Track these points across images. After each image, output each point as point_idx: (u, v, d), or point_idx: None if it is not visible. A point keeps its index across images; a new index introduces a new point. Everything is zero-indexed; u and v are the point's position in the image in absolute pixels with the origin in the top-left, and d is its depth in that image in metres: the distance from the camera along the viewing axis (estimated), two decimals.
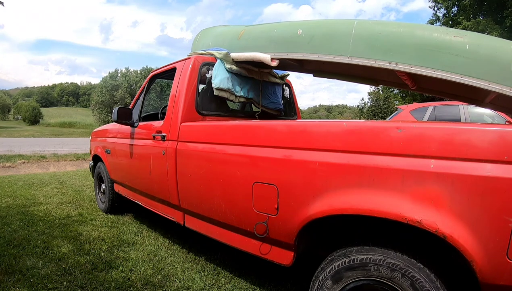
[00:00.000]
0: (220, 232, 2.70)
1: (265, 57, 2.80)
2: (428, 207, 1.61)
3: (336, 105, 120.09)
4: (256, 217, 2.26)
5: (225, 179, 2.49)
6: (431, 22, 24.67)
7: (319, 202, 1.92)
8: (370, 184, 1.75)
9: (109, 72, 42.60)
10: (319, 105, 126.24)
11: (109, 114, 38.04)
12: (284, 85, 3.98)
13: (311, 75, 3.22)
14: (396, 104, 25.98)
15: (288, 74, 3.82)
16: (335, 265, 1.91)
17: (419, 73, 2.18)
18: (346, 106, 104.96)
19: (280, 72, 3.69)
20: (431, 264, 1.73)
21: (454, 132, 1.60)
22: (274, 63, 2.79)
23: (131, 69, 42.95)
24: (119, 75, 42.26)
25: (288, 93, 4.08)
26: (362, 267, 1.81)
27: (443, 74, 2.12)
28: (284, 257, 2.23)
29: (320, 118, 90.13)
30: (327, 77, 3.11)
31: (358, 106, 43.57)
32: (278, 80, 3.70)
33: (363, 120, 2.01)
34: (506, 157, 1.46)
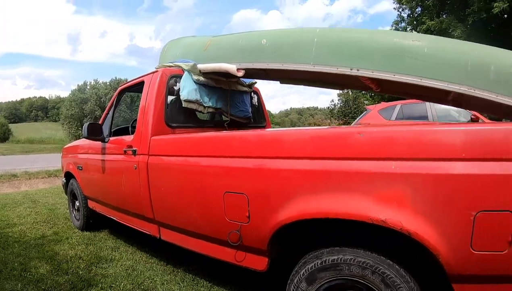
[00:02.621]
0: (196, 243, 2.73)
1: (231, 67, 2.85)
2: (392, 206, 1.68)
3: (307, 108, 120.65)
4: (229, 226, 2.29)
5: (197, 190, 2.52)
6: (396, 23, 25.21)
7: (288, 208, 1.97)
8: (336, 188, 1.82)
9: (77, 85, 41.68)
10: (290, 108, 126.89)
11: (80, 128, 37.16)
12: (252, 93, 4.03)
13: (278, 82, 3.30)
14: (366, 104, 26.54)
15: (255, 82, 3.88)
16: (308, 267, 1.97)
17: (379, 77, 2.27)
18: (317, 108, 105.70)
19: (248, 81, 3.74)
20: (400, 259, 1.80)
21: (413, 134, 1.69)
22: (240, 73, 2.84)
23: (100, 81, 42.20)
24: (88, 87, 41.43)
25: (256, 100, 4.14)
26: (334, 267, 1.88)
27: (403, 77, 2.22)
28: (258, 263, 2.28)
29: (291, 121, 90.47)
30: (294, 84, 3.18)
31: (328, 107, 44.21)
32: (246, 89, 3.75)
33: (326, 126, 2.08)
34: (463, 155, 1.56)
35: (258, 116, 4.20)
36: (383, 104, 9.00)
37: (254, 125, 3.99)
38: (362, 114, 9.74)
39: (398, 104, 8.29)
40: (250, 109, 3.87)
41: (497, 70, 2.12)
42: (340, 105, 38.47)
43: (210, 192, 2.40)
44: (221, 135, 2.51)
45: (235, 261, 2.41)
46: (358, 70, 2.31)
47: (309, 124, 16.45)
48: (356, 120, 10.02)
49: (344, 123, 15.25)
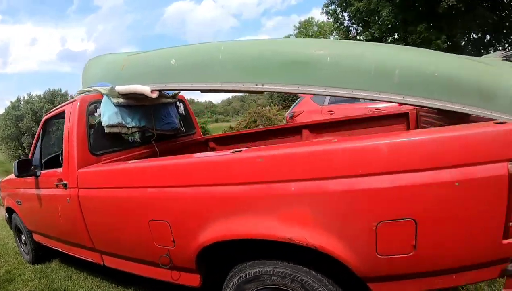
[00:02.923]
0: (136, 267, 2.79)
1: (145, 89, 2.84)
2: (296, 224, 1.80)
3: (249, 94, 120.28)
4: (159, 251, 2.38)
5: (126, 220, 2.56)
6: (327, 6, 25.92)
7: (206, 231, 2.07)
8: (246, 211, 1.92)
9: (11, 102, 39.22)
10: (232, 96, 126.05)
11: (19, 148, 35.62)
12: (178, 102, 4.04)
13: None
14: None
15: (179, 92, 3.88)
16: (235, 280, 2.09)
17: (284, 91, 2.33)
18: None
19: (171, 91, 3.74)
20: (317, 266, 1.92)
21: (309, 154, 1.79)
22: (154, 95, 2.84)
23: (34, 95, 39.86)
24: (22, 103, 39.16)
25: (183, 109, 4.15)
26: (257, 279, 2.00)
27: (307, 89, 2.28)
28: (192, 280, 2.40)
29: (235, 109, 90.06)
30: (214, 92, 3.21)
31: (268, 93, 44.06)
32: (169, 100, 3.74)
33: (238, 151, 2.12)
34: (360, 171, 1.67)
35: (187, 125, 4.22)
36: None
37: (183, 135, 4.01)
38: (296, 101, 9.82)
39: None
40: (176, 121, 3.88)
41: (402, 73, 2.20)
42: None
43: (137, 221, 2.45)
44: (138, 166, 2.54)
45: (172, 280, 2.51)
46: (263, 85, 2.35)
47: (249, 113, 16.77)
48: (291, 108, 10.14)
49: (284, 108, 15.42)
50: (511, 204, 1.63)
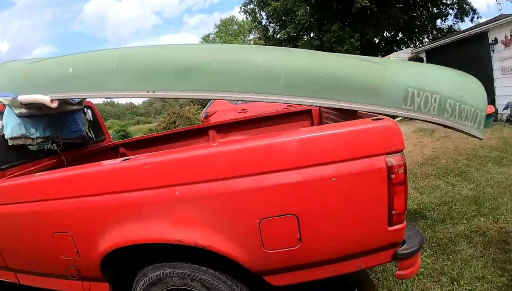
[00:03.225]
0: (50, 282, 2.74)
1: (45, 99, 2.75)
2: (185, 226, 1.88)
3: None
4: (66, 263, 2.35)
5: (32, 235, 2.49)
6: (245, 5, 26.66)
7: (105, 239, 2.09)
8: (138, 217, 1.97)
9: None
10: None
11: None
12: (85, 109, 3.95)
13: None
14: None
15: (85, 98, 3.76)
16: (140, 285, 2.15)
17: (173, 97, 2.37)
18: None
19: (77, 98, 3.62)
20: (213, 264, 2.00)
21: (190, 159, 1.88)
22: (54, 105, 2.76)
23: None
24: None
25: (91, 115, 4.06)
26: (160, 281, 2.07)
27: (194, 94, 2.37)
28: (102, 289, 2.40)
29: (156, 110, 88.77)
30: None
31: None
32: (76, 107, 3.62)
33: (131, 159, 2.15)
34: (238, 172, 1.78)
35: (95, 132, 4.14)
36: None
37: (93, 142, 3.94)
38: (210, 101, 9.94)
39: None
40: (83, 128, 3.79)
41: (287, 75, 2.31)
42: None
43: (42, 235, 2.40)
44: (36, 179, 2.48)
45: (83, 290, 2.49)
46: (154, 92, 2.37)
47: (168, 114, 17.00)
48: (205, 108, 10.20)
49: (203, 107, 15.61)
50: (391, 195, 1.80)
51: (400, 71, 2.55)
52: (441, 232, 3.75)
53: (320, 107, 3.68)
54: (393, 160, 1.76)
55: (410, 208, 4.61)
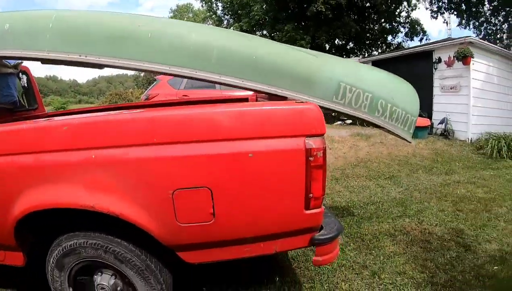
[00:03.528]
0: None
1: None
2: (100, 192, 1.82)
3: (117, 75, 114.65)
4: None
5: None
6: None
7: (18, 203, 1.96)
8: (53, 180, 1.88)
9: None
10: (99, 76, 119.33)
11: None
12: (20, 74, 3.74)
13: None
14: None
15: (21, 62, 3.57)
16: (54, 255, 2.04)
17: (103, 63, 2.32)
18: (127, 75, 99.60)
19: (13, 61, 3.42)
20: (128, 236, 1.95)
21: (108, 123, 1.86)
22: None
23: None
24: None
25: (25, 81, 3.85)
26: (73, 251, 1.98)
27: (126, 62, 2.30)
28: (16, 259, 2.25)
29: (100, 90, 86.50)
30: (56, 64, 3.05)
31: (133, 75, 43.80)
32: (10, 70, 3.43)
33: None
34: (155, 139, 1.73)
35: (28, 100, 3.93)
36: None
37: (24, 110, 3.75)
38: (153, 84, 9.87)
39: None
40: (16, 93, 3.58)
41: (220, 53, 2.33)
42: (145, 74, 38.03)
43: None
44: None
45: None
46: (86, 56, 2.32)
47: (110, 95, 16.85)
48: (147, 90, 10.13)
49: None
50: (309, 177, 1.84)
51: (334, 66, 2.64)
52: (366, 229, 3.88)
53: (256, 95, 3.72)
54: (312, 142, 1.81)
55: (338, 204, 4.78)
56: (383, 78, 2.97)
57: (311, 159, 1.80)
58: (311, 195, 1.87)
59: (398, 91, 2.95)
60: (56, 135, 1.87)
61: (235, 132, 1.77)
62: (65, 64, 3.03)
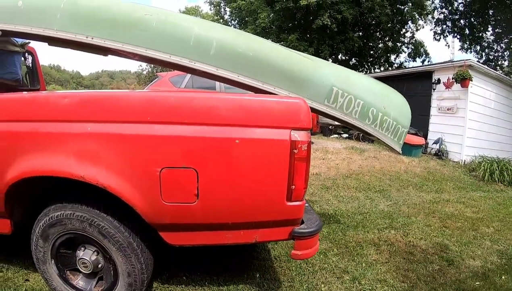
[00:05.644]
0: None
1: None
2: (91, 164, 1.88)
3: (120, 71, 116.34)
4: None
5: None
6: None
7: (12, 169, 2.01)
8: (47, 149, 1.94)
9: None
10: (102, 70, 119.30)
11: None
12: (26, 54, 3.83)
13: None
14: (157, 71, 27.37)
15: (29, 42, 3.67)
16: (40, 225, 2.09)
17: (110, 47, 2.40)
18: (129, 71, 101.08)
19: (21, 40, 3.52)
20: (113, 212, 2.01)
21: (105, 98, 1.93)
22: None
23: None
24: None
25: (30, 62, 3.95)
26: (59, 222, 2.03)
27: (130, 47, 2.40)
28: (4, 227, 2.28)
29: (102, 84, 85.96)
30: (62, 47, 3.11)
31: (136, 72, 44.44)
32: (17, 49, 3.52)
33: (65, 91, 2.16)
34: (148, 118, 1.80)
35: (32, 79, 4.02)
36: (175, 73, 8.94)
37: (26, 89, 3.81)
38: (154, 81, 9.80)
39: (188, 74, 8.25)
40: (20, 72, 3.67)
41: (218, 47, 2.42)
42: (148, 71, 38.58)
43: None
44: None
45: None
46: (92, 38, 2.41)
47: (112, 88, 17.03)
48: (147, 86, 10.11)
49: None
50: (292, 169, 1.90)
51: (329, 70, 2.71)
52: (351, 236, 3.92)
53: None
54: (297, 135, 1.87)
55: (326, 212, 4.83)
56: (376, 87, 3.04)
57: (295, 151, 1.87)
58: (293, 186, 1.93)
59: (390, 102, 3.01)
60: (56, 106, 1.94)
61: (225, 118, 1.84)
62: (71, 47, 3.11)
